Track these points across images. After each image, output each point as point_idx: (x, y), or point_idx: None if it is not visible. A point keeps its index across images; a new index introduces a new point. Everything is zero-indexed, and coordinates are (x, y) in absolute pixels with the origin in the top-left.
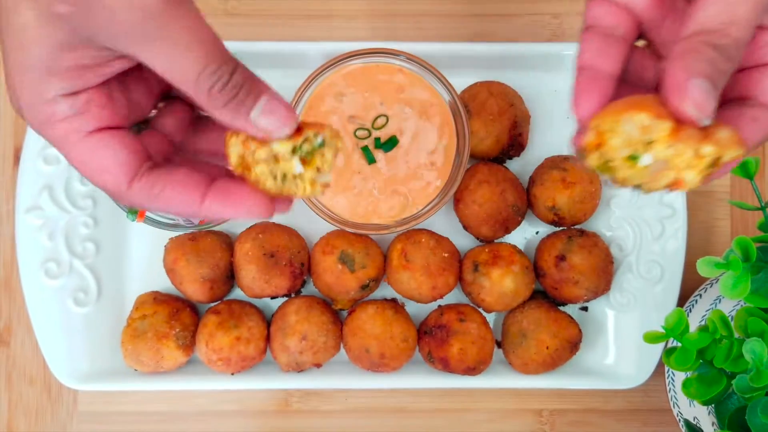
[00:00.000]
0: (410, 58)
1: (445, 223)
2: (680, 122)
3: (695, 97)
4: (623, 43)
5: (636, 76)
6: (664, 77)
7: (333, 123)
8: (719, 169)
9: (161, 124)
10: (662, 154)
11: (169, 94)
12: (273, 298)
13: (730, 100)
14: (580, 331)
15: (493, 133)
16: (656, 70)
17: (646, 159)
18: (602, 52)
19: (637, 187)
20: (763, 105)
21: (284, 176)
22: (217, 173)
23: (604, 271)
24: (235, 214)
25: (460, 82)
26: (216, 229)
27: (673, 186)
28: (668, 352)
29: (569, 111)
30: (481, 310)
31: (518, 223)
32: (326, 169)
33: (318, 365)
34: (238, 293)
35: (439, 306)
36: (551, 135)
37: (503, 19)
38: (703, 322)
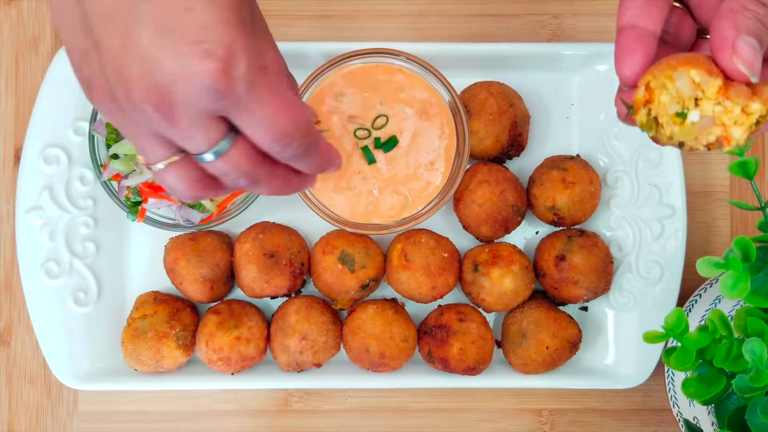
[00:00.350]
0: (410, 58)
1: (445, 223)
2: (728, 79)
3: (744, 55)
4: (664, 2)
5: (672, 35)
6: (712, 35)
7: (333, 123)
8: (762, 128)
9: None
10: (710, 111)
11: None
12: (273, 298)
13: (764, 59)
14: (579, 330)
15: (493, 133)
16: (692, 29)
17: (694, 115)
18: (645, 10)
19: (680, 145)
20: None
21: None
22: None
23: (604, 271)
24: (337, 160)
25: (460, 82)
26: (216, 229)
27: (716, 144)
28: (668, 352)
29: (569, 112)
30: (481, 310)
31: (518, 223)
32: None
33: (318, 365)
34: (238, 293)
35: (439, 306)
36: (551, 135)
37: (503, 19)
38: (702, 322)
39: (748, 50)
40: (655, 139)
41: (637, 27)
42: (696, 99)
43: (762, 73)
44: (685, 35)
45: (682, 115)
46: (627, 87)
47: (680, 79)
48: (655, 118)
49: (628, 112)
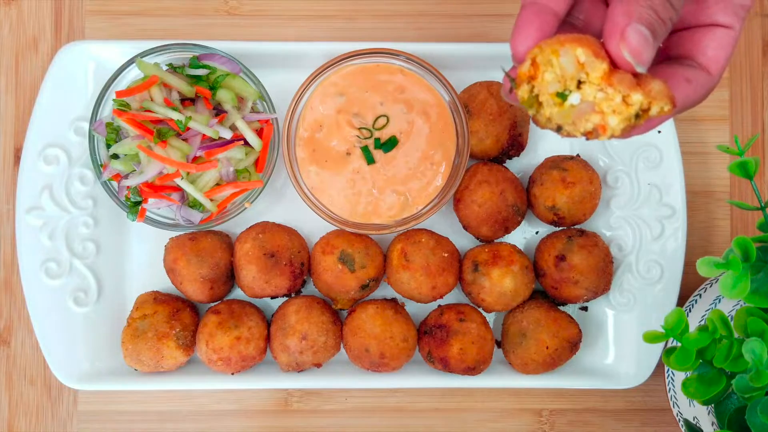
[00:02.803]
0: (410, 58)
1: (445, 223)
2: (615, 67)
3: (633, 43)
4: None
5: (584, 21)
6: (605, 20)
7: (333, 123)
8: (643, 124)
9: None
10: (591, 96)
11: None
12: (273, 298)
13: (669, 58)
14: (579, 330)
15: (493, 133)
16: (604, 17)
17: (574, 98)
18: None
19: (558, 129)
20: (700, 66)
21: None
22: None
23: (604, 271)
24: None
25: (460, 82)
26: (216, 229)
27: (593, 133)
28: (668, 351)
29: None
30: (481, 310)
31: (518, 223)
32: None
33: (318, 365)
34: (238, 293)
35: (439, 306)
36: (551, 135)
37: (503, 19)
38: (702, 322)
39: (636, 38)
40: (534, 120)
41: (538, 4)
42: (579, 82)
43: (655, 71)
44: (596, 22)
45: (562, 96)
46: (517, 63)
47: (566, 55)
48: (537, 97)
49: (511, 86)
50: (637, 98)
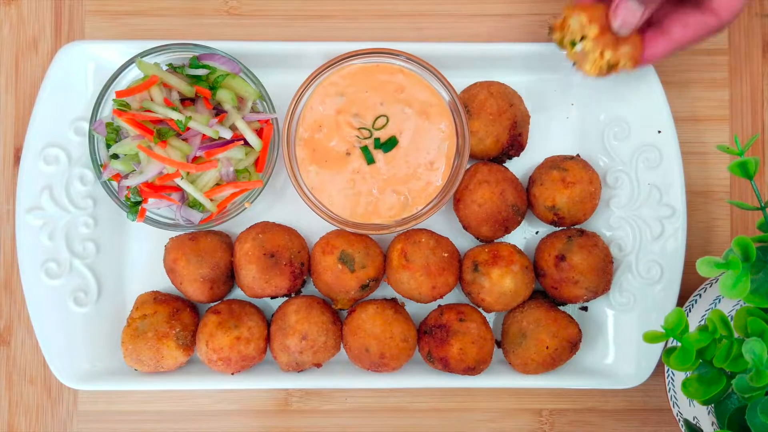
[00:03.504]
0: (410, 58)
1: (445, 223)
2: (608, 27)
3: (621, 16)
4: None
5: None
6: None
7: (333, 123)
8: (617, 72)
9: None
10: (586, 47)
11: None
12: (273, 297)
13: None
14: (579, 330)
15: (492, 133)
16: None
17: (578, 46)
18: None
19: (574, 63)
20: (710, 9)
21: None
22: None
23: (604, 271)
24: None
25: (460, 82)
26: (216, 229)
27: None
28: (668, 351)
29: (569, 112)
30: (481, 309)
31: (518, 223)
32: None
33: (318, 365)
34: (238, 293)
35: (439, 306)
36: (551, 135)
37: (503, 19)
38: (702, 322)
39: (624, 13)
40: (567, 55)
41: None
42: (584, 35)
43: (668, 9)
44: None
45: (573, 43)
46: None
47: (574, 18)
48: (565, 40)
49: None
50: (607, 56)
